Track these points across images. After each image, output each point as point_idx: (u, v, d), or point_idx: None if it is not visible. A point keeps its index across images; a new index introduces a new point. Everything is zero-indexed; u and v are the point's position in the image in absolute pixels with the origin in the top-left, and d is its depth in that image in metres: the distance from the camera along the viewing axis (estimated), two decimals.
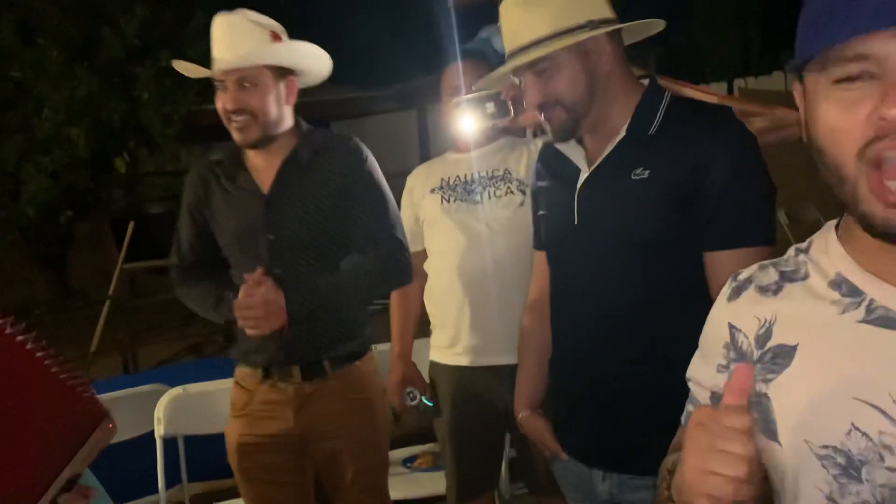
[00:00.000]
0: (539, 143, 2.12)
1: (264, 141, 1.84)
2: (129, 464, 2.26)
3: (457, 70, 2.09)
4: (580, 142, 1.44)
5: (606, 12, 1.35)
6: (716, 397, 0.92)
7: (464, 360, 2.13)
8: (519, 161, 2.10)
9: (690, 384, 0.98)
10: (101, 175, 7.10)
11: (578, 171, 1.42)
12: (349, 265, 1.91)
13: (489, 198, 2.09)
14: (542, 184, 1.56)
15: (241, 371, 1.96)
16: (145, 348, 5.73)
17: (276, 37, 1.83)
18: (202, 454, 2.48)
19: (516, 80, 1.42)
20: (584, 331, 1.41)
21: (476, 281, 2.07)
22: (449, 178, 2.16)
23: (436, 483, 2.65)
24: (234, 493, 2.16)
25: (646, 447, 1.09)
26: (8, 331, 1.02)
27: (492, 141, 2.15)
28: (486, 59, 2.13)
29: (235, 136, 1.82)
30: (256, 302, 1.75)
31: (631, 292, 1.33)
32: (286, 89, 1.86)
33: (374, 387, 1.99)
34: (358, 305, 1.96)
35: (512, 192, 2.07)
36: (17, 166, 6.75)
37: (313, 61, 1.91)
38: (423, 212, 2.20)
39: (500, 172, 2.11)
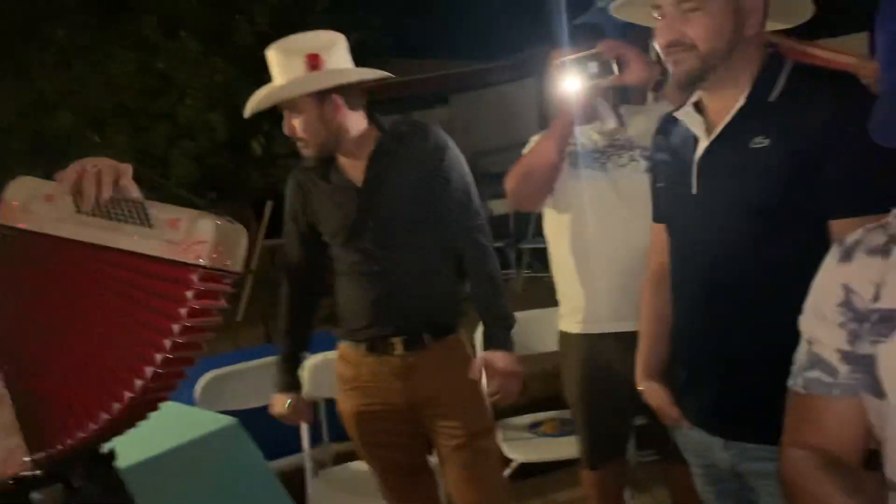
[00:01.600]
0: (659, 109, 2.09)
1: (330, 153, 2.01)
2: (276, 426, 2.43)
3: (571, 43, 2.09)
4: (699, 110, 1.44)
5: None
6: (848, 355, 0.97)
7: (592, 328, 2.15)
8: (639, 128, 2.09)
9: (809, 343, 1.02)
10: (239, 157, 7.56)
11: (696, 139, 1.42)
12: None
13: (613, 166, 2.10)
14: (660, 155, 1.56)
15: (345, 347, 2.15)
16: None
17: (312, 60, 1.91)
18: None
19: (656, 12, 1.37)
20: (705, 300, 1.41)
21: (603, 248, 2.08)
22: (573, 146, 2.16)
23: (561, 448, 2.71)
24: None
25: (766, 416, 1.11)
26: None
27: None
28: (603, 31, 2.12)
29: (303, 154, 2.00)
30: None
31: (752, 261, 1.33)
32: (333, 107, 1.94)
33: (469, 357, 2.12)
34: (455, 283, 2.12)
35: (635, 159, 2.06)
36: (165, 151, 7.30)
37: (349, 77, 1.97)
38: None
39: (621, 140, 2.11)
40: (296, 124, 1.95)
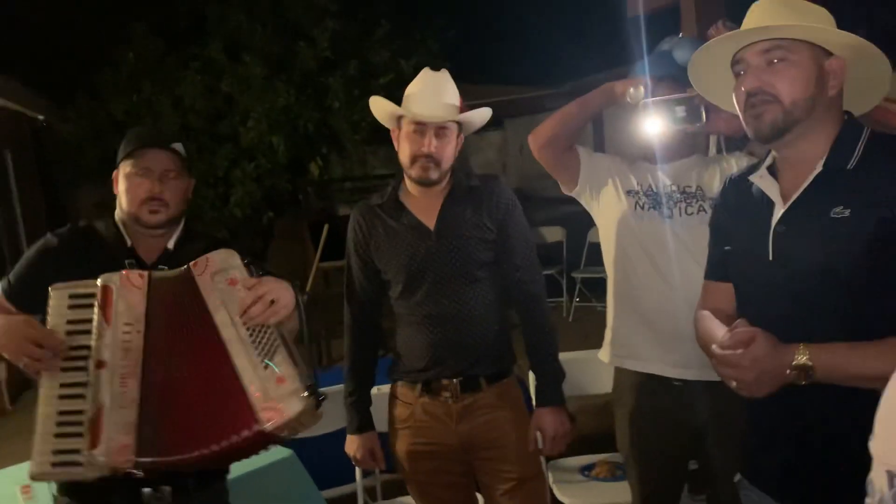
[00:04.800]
0: (733, 161, 2.06)
1: (440, 181, 2.08)
2: (329, 455, 2.46)
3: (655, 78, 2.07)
4: (774, 174, 1.42)
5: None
6: None
7: (649, 368, 2.12)
8: (712, 179, 2.05)
9: (891, 475, 0.86)
10: (297, 179, 7.73)
11: (771, 205, 1.39)
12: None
13: (680, 214, 2.07)
14: (727, 216, 1.54)
15: (400, 386, 2.18)
16: (337, 340, 6.15)
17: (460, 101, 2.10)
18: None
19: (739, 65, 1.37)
20: None
21: (659, 292, 2.06)
22: (643, 185, 2.14)
23: (614, 492, 2.67)
24: None
25: (838, 488, 1.08)
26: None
27: (684, 156, 2.13)
28: (669, 74, 2.10)
29: (422, 174, 2.05)
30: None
31: (831, 329, 1.29)
32: (459, 141, 2.10)
33: (521, 401, 2.17)
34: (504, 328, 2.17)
35: (704, 210, 2.03)
36: (227, 172, 7.50)
37: (481, 120, 2.17)
38: (609, 207, 2.18)
39: (693, 189, 2.08)
40: (443, 147, 2.04)
